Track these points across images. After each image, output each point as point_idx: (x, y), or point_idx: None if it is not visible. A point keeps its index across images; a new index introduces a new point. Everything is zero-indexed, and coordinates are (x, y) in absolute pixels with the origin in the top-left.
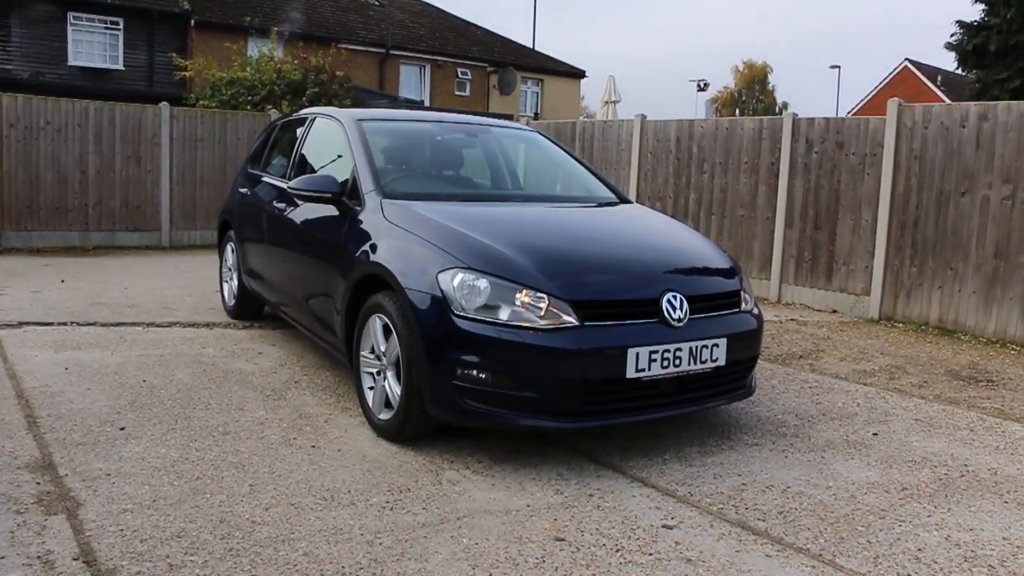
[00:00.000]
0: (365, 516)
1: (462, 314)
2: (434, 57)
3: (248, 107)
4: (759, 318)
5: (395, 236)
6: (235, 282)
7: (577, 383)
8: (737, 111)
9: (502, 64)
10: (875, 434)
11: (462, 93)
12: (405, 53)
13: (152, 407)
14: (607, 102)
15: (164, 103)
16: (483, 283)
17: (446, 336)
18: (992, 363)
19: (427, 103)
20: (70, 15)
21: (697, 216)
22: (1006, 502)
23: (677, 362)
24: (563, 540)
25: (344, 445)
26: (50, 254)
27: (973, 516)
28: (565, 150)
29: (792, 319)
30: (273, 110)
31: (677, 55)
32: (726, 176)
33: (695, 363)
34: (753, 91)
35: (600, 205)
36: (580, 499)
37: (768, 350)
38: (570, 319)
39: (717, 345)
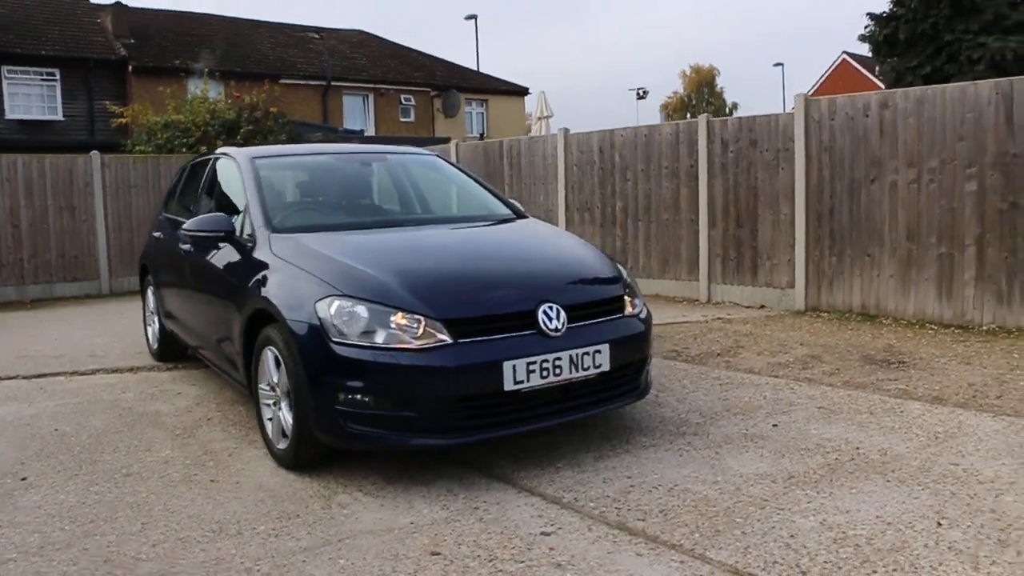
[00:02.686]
0: (249, 545)
1: (340, 340)
2: (376, 85)
3: (184, 149)
4: (647, 320)
5: (280, 270)
6: (156, 325)
7: (454, 399)
8: (688, 115)
9: (445, 87)
10: (775, 425)
11: (407, 119)
12: (347, 83)
13: (59, 455)
14: (540, 118)
15: (95, 152)
16: (358, 308)
17: (326, 363)
18: (908, 344)
19: (372, 131)
20: (4, 69)
21: (624, 223)
22: (888, 481)
23: (558, 371)
24: (439, 554)
25: (243, 477)
26: None
27: (852, 498)
28: (464, 172)
29: (719, 318)
30: (205, 151)
31: (622, 66)
32: (649, 182)
33: (578, 370)
34: (703, 94)
35: (494, 223)
36: (465, 513)
37: (688, 350)
38: (444, 337)
39: (600, 351)
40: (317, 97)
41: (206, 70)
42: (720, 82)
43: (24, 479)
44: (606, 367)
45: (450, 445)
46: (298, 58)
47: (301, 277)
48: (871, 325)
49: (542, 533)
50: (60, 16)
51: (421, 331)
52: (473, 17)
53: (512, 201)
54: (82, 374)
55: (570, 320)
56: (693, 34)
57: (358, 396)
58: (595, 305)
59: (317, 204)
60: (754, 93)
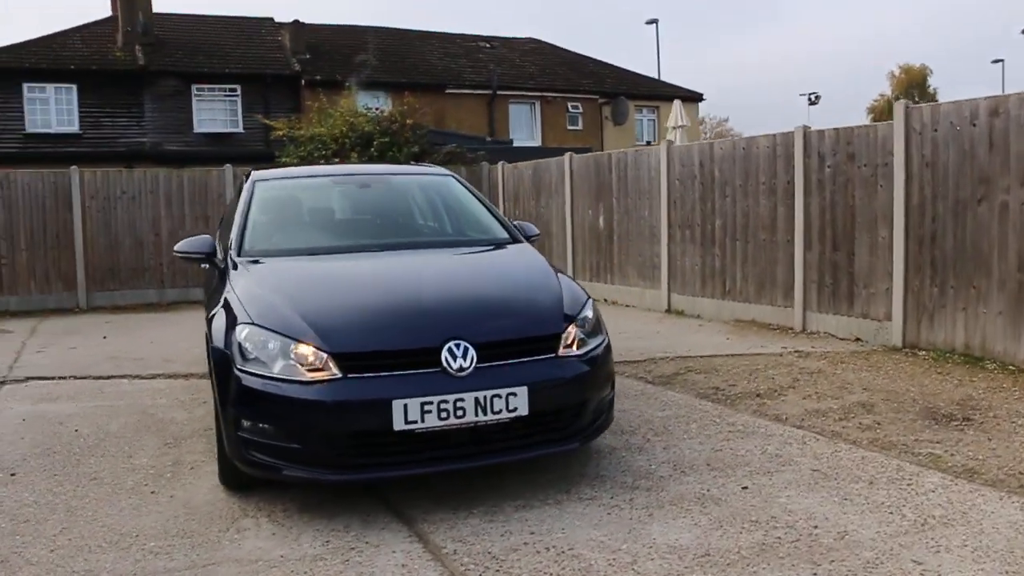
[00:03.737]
0: (124, 561)
1: (243, 368)
2: (543, 93)
3: (322, 161)
4: (595, 360)
5: (227, 293)
6: None
7: (340, 435)
8: None
9: (614, 94)
10: (745, 488)
11: (574, 127)
12: (513, 92)
13: (58, 454)
14: (675, 127)
15: (228, 165)
16: (263, 338)
17: (232, 389)
18: (995, 397)
19: (538, 141)
20: (193, 87)
21: (723, 243)
22: (815, 574)
23: (460, 413)
24: None
25: (183, 492)
26: (130, 311)
27: None
28: (474, 194)
29: (797, 351)
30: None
31: (802, 69)
32: (747, 199)
33: (486, 414)
34: (912, 96)
35: (470, 250)
36: (339, 552)
37: (730, 389)
38: (335, 371)
39: (515, 394)
40: (482, 107)
41: (358, 82)
42: (933, 82)
43: (13, 475)
44: (523, 411)
45: (335, 481)
46: (465, 68)
47: (234, 304)
48: (969, 369)
49: None
50: (246, 36)
51: (317, 364)
52: (654, 22)
53: (515, 224)
54: (142, 378)
55: (483, 359)
56: (896, 31)
57: (257, 424)
58: (516, 344)
59: (295, 227)
60: (971, 93)
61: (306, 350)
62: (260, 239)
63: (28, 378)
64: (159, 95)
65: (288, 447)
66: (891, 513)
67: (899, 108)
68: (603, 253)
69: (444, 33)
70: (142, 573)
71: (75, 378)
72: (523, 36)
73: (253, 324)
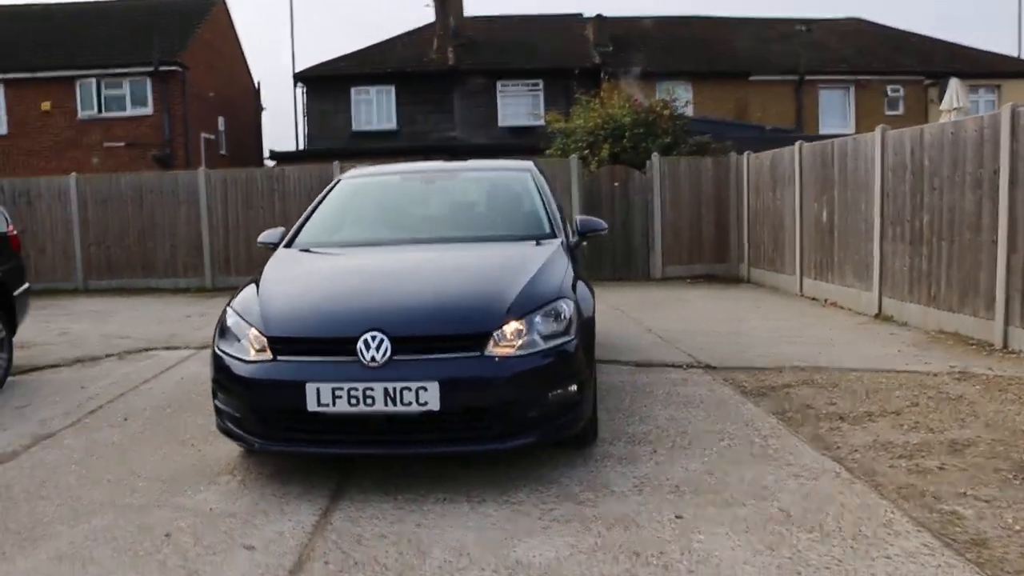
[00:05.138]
0: (111, 492)
1: (217, 344)
2: (857, 77)
3: (577, 153)
4: (532, 362)
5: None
6: None
7: (267, 410)
8: None
9: (943, 74)
10: (679, 517)
11: (894, 112)
12: (824, 77)
13: (167, 409)
14: (949, 110)
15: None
16: (233, 320)
17: (211, 364)
18: None
19: (851, 128)
20: (498, 83)
21: (931, 242)
22: None
23: (369, 402)
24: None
25: (211, 449)
26: None
27: None
28: (539, 191)
29: (964, 372)
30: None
31: None
32: (953, 191)
33: (394, 405)
34: None
35: (495, 245)
36: (253, 514)
37: (827, 407)
38: (269, 354)
39: (425, 388)
40: (789, 93)
41: (640, 74)
42: None
43: (125, 419)
44: (434, 407)
45: (260, 449)
46: (774, 53)
47: (241, 289)
48: None
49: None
50: (551, 33)
51: (259, 347)
52: None
53: (581, 219)
54: None
55: (399, 352)
56: None
57: (221, 395)
58: (435, 340)
59: (348, 222)
60: None
61: (253, 333)
62: (312, 233)
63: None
64: (467, 92)
65: (236, 416)
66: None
67: None
68: (825, 250)
69: (758, 18)
70: (109, 502)
71: None
72: (846, 16)
73: (230, 307)
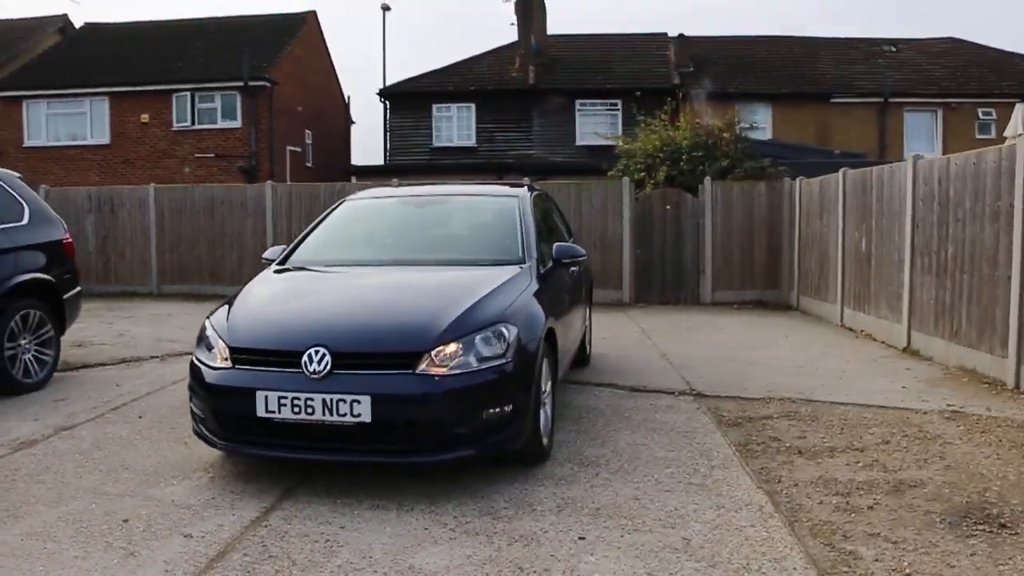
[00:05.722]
0: (98, 480)
1: (194, 352)
2: (946, 100)
3: (634, 175)
4: (462, 382)
5: None
6: None
7: (224, 413)
8: None
9: None
10: (581, 538)
11: (985, 135)
12: (910, 99)
13: (164, 411)
14: (1014, 137)
15: (525, 179)
16: (207, 331)
17: (189, 369)
18: None
19: (939, 152)
20: (577, 102)
21: (953, 275)
22: None
23: (310, 411)
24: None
25: (200, 447)
26: None
27: None
28: (522, 218)
29: (957, 411)
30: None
31: None
32: (974, 223)
33: (331, 415)
34: None
35: (461, 268)
36: (205, 506)
37: (795, 440)
38: (229, 363)
39: (358, 401)
40: (872, 116)
41: (705, 92)
42: None
43: (140, 417)
44: (366, 418)
45: (220, 448)
46: (859, 75)
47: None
48: None
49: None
50: (634, 52)
51: (223, 355)
52: None
53: (561, 246)
54: None
55: (339, 367)
56: None
57: (193, 398)
58: (372, 356)
59: (337, 243)
60: None
61: (219, 343)
62: (304, 252)
63: None
64: (546, 111)
65: (203, 418)
66: None
67: None
68: (863, 280)
69: (843, 39)
70: (92, 489)
71: None
72: (939, 36)
73: (208, 320)
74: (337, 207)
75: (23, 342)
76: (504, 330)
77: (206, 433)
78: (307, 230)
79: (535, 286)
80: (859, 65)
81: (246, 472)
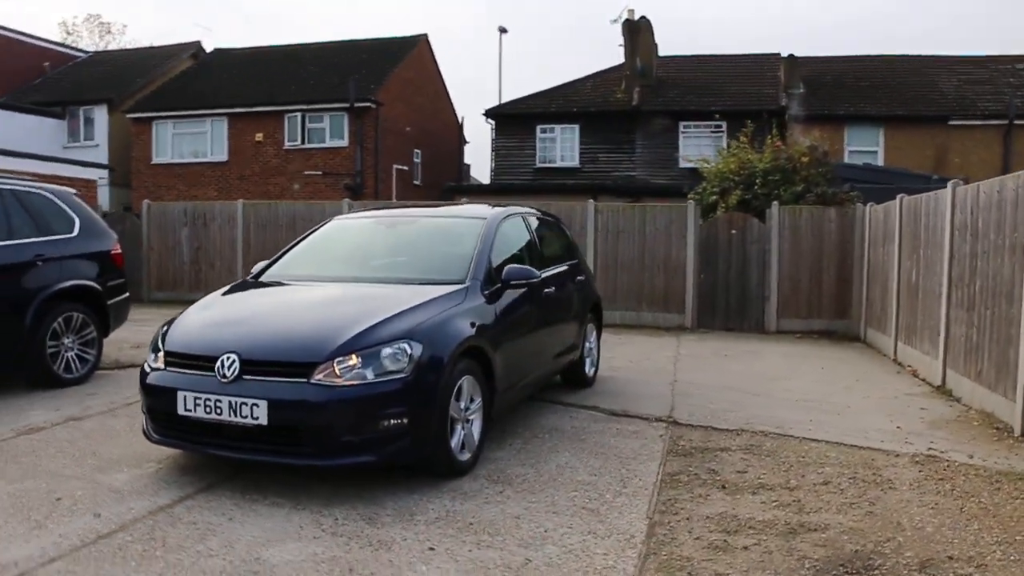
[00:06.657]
0: (68, 465)
1: (147, 357)
2: None
3: (708, 198)
4: (351, 392)
5: None
6: None
7: (155, 410)
8: None
9: None
10: (431, 548)
11: None
12: None
13: None
14: None
15: (590, 201)
16: (156, 337)
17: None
18: None
19: None
20: (680, 124)
21: (979, 311)
22: None
23: (219, 411)
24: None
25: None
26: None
27: None
28: (483, 240)
29: (929, 456)
30: (708, 200)
31: None
32: (998, 256)
33: (236, 416)
34: None
35: (404, 287)
36: (136, 494)
37: (735, 475)
38: (163, 365)
39: (257, 405)
40: (996, 139)
41: (804, 115)
42: None
43: None
44: (263, 421)
45: (154, 442)
46: (983, 95)
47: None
48: None
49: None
50: (742, 73)
51: (161, 358)
52: None
53: (512, 268)
54: None
55: (247, 373)
56: None
57: (141, 397)
58: (272, 364)
59: (310, 259)
60: None
61: (160, 348)
62: (279, 266)
63: None
64: (650, 132)
65: (145, 414)
66: None
67: None
68: (912, 312)
69: (967, 56)
70: (53, 471)
71: None
72: None
73: (161, 327)
74: (322, 225)
75: (66, 341)
76: (406, 346)
77: (146, 428)
78: (288, 246)
79: (469, 305)
80: (983, 85)
81: (188, 466)
